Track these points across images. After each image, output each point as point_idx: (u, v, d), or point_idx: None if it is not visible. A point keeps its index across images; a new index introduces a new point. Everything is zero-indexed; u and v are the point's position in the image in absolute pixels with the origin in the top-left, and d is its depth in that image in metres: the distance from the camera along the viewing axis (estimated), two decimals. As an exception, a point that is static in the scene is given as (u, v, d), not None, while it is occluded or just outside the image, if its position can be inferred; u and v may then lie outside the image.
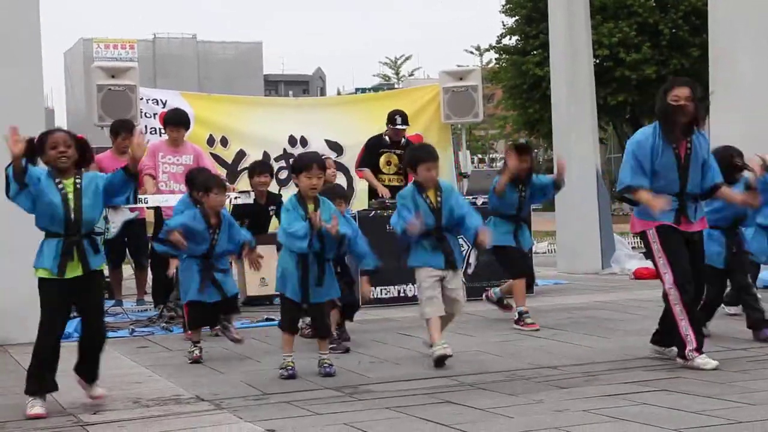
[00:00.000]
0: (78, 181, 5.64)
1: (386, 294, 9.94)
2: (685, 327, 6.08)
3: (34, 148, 5.57)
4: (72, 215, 5.54)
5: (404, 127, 10.54)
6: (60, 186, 5.56)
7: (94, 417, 5.34)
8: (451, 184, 7.25)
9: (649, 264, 6.66)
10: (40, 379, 5.53)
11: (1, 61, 8.02)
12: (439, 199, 6.76)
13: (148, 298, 10.17)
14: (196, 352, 7.11)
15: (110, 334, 8.45)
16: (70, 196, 5.56)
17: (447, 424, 4.85)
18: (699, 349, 6.07)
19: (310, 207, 6.33)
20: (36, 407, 5.42)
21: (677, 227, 6.18)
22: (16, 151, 5.38)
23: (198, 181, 7.37)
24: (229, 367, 6.79)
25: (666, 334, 6.39)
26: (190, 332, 7.32)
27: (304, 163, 6.43)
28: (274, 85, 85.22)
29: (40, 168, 5.61)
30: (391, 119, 10.61)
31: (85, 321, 5.79)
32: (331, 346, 6.89)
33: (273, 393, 5.84)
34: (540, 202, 9.03)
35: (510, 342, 7.45)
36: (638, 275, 11.40)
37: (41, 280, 5.57)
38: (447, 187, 6.91)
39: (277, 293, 6.90)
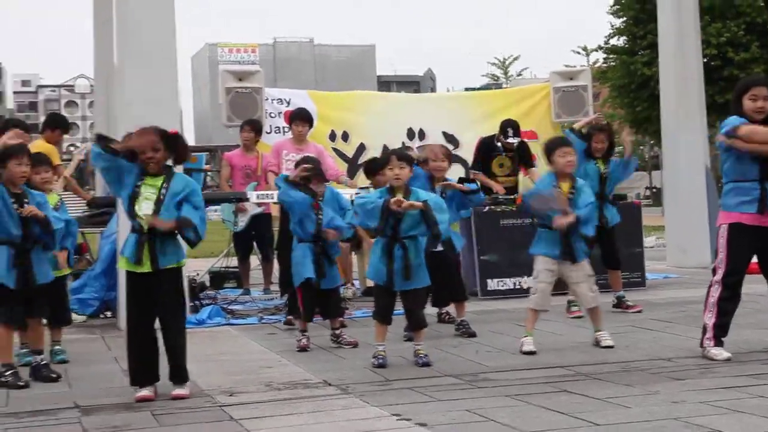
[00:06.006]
0: (164, 188, 5.70)
1: (503, 286, 10.15)
2: (709, 317, 6.40)
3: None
4: (143, 216, 5.64)
5: (515, 141, 10.59)
6: (137, 184, 5.69)
7: (230, 399, 5.62)
8: (584, 182, 7.39)
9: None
10: (135, 372, 5.76)
11: (142, 65, 8.54)
12: (572, 193, 6.98)
13: (275, 287, 10.51)
14: (304, 340, 7.36)
15: (240, 321, 8.94)
16: (146, 196, 5.66)
17: (566, 412, 4.98)
18: (717, 342, 6.35)
19: (399, 194, 6.55)
20: (142, 391, 5.67)
21: (755, 225, 6.29)
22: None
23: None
24: (353, 354, 7.06)
25: None
26: (303, 322, 7.50)
27: (383, 159, 6.79)
28: (387, 86, 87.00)
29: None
30: (503, 131, 10.58)
31: (160, 318, 5.79)
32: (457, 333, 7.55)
33: (396, 379, 6.05)
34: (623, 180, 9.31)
35: (624, 334, 7.54)
36: (749, 270, 11.28)
37: (126, 272, 5.80)
38: (581, 183, 7.13)
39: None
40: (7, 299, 6.23)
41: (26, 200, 6.28)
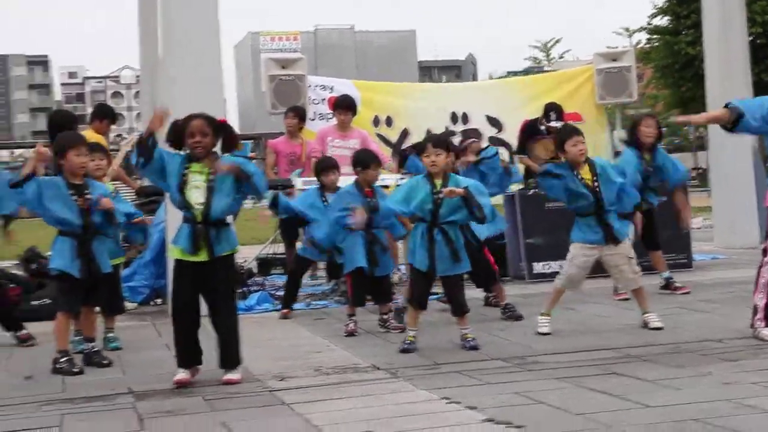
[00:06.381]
0: (212, 173, 5.70)
1: (548, 269, 10.13)
2: (760, 298, 6.36)
3: (179, 131, 5.74)
4: (195, 205, 5.68)
5: (558, 124, 10.56)
6: (184, 173, 5.70)
7: (280, 383, 5.67)
8: (605, 161, 7.40)
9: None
10: (178, 355, 5.84)
11: (187, 55, 8.62)
12: (595, 177, 6.96)
13: (321, 273, 10.59)
14: (351, 325, 7.43)
15: (288, 306, 9.01)
16: (195, 185, 5.68)
17: (616, 394, 4.97)
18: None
19: (438, 181, 6.56)
20: (179, 374, 5.74)
21: None
22: (151, 128, 5.68)
23: (359, 158, 7.78)
24: (401, 339, 7.04)
25: None
26: (351, 307, 7.58)
27: (419, 147, 6.82)
28: (428, 71, 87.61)
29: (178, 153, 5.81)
30: (545, 114, 10.59)
31: (211, 305, 5.84)
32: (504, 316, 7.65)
33: (444, 363, 6.07)
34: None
35: (671, 316, 7.51)
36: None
37: (177, 261, 5.81)
38: (601, 164, 7.11)
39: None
40: (71, 288, 6.37)
41: (87, 191, 6.40)
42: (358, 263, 7.45)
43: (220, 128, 5.81)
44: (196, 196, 5.71)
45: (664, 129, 9.41)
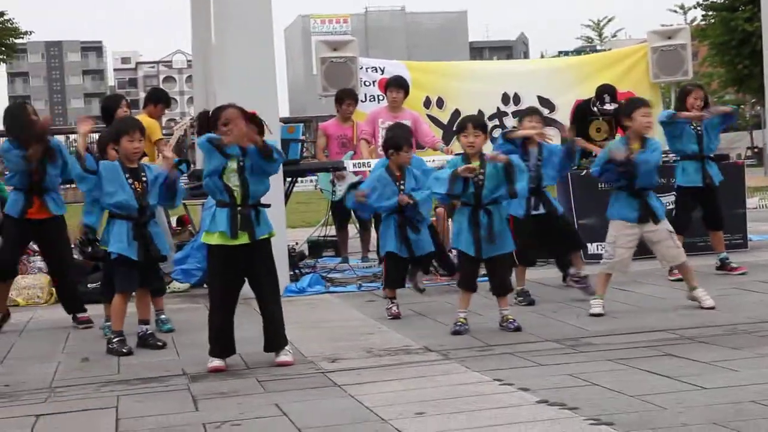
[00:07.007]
0: (241, 156, 5.77)
1: (602, 250, 10.00)
2: None
3: (208, 121, 5.83)
4: (233, 187, 5.75)
5: (612, 107, 10.42)
6: (225, 158, 5.76)
7: (332, 365, 5.70)
8: (655, 140, 7.30)
9: None
10: (213, 344, 5.86)
11: (239, 39, 8.62)
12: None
13: (372, 255, 10.56)
14: (394, 308, 7.39)
15: (339, 288, 9.03)
16: (232, 169, 5.74)
17: (671, 376, 4.93)
18: None
19: (475, 162, 6.54)
20: (214, 362, 5.77)
21: None
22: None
23: (389, 140, 7.63)
24: (453, 320, 7.07)
25: None
26: (391, 290, 7.52)
27: (459, 125, 6.80)
28: (479, 52, 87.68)
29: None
30: (599, 97, 10.43)
31: (255, 289, 5.92)
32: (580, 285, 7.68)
33: (496, 345, 6.06)
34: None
35: (728, 296, 7.42)
36: None
37: (215, 247, 5.80)
38: (651, 143, 7.03)
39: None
40: (129, 270, 6.47)
41: (143, 174, 6.51)
42: (387, 248, 7.44)
43: (250, 120, 5.82)
44: (233, 179, 5.76)
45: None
